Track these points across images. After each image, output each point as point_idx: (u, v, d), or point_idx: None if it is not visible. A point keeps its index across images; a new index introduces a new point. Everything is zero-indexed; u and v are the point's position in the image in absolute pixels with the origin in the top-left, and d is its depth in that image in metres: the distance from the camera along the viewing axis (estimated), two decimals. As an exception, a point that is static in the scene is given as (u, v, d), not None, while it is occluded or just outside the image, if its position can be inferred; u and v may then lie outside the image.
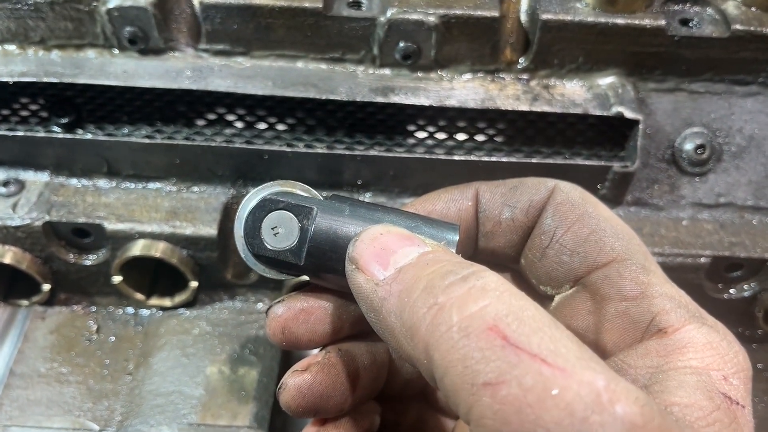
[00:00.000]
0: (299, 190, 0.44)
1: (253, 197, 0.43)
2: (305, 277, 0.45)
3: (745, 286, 0.66)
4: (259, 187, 0.42)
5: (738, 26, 0.61)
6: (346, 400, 0.45)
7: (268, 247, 0.42)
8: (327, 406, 0.44)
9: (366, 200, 0.67)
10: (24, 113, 0.66)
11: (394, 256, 0.36)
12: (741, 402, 0.34)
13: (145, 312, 0.68)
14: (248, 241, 0.42)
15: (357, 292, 0.37)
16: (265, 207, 0.42)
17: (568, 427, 0.26)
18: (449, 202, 0.47)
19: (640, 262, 0.40)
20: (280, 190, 0.43)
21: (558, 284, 0.44)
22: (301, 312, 0.44)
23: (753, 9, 0.62)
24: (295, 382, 0.43)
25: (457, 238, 0.41)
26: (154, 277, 0.69)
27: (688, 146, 0.65)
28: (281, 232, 0.42)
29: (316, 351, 0.49)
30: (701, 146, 0.65)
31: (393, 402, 0.51)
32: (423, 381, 0.51)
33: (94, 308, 0.69)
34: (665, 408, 0.33)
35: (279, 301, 0.45)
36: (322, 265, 0.41)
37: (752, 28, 0.61)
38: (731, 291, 0.66)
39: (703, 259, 0.63)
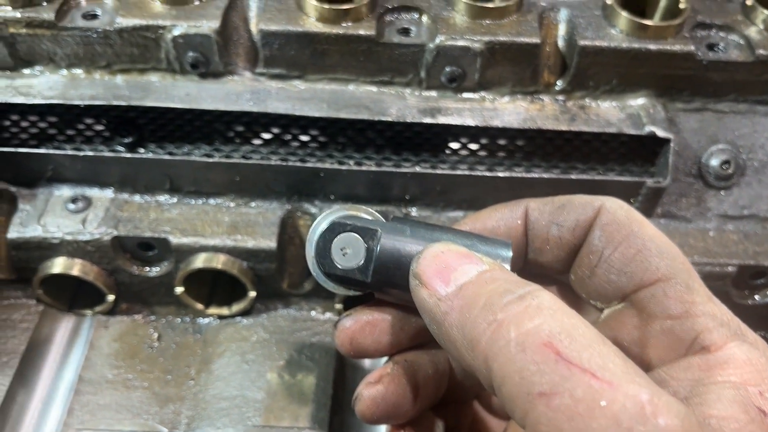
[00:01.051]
0: (363, 213, 0.48)
1: (322, 221, 0.47)
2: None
3: (769, 293, 0.71)
4: (327, 211, 0.46)
5: (762, 51, 0.65)
6: (414, 406, 0.49)
7: (338, 266, 0.46)
8: (397, 414, 0.48)
9: (412, 213, 0.71)
10: (88, 134, 0.69)
11: (455, 273, 0.39)
12: None
13: (203, 321, 0.72)
14: (319, 261, 0.46)
15: (421, 306, 0.40)
16: (334, 230, 0.46)
17: None
18: (500, 220, 0.50)
19: (684, 281, 0.42)
20: (347, 214, 0.47)
21: (607, 300, 0.47)
22: (367, 324, 0.48)
23: (774, 34, 0.67)
24: (370, 393, 0.46)
25: (510, 254, 0.45)
26: (210, 288, 0.73)
27: (714, 162, 0.69)
28: (349, 253, 0.46)
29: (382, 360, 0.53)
30: (726, 162, 0.69)
31: (451, 406, 0.55)
32: (478, 385, 0.56)
33: (153, 317, 0.73)
34: (704, 420, 0.36)
35: (347, 315, 0.49)
36: (387, 282, 0.45)
37: (775, 53, 0.65)
38: (756, 297, 0.71)
39: (730, 268, 0.67)
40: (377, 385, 0.47)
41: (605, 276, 0.46)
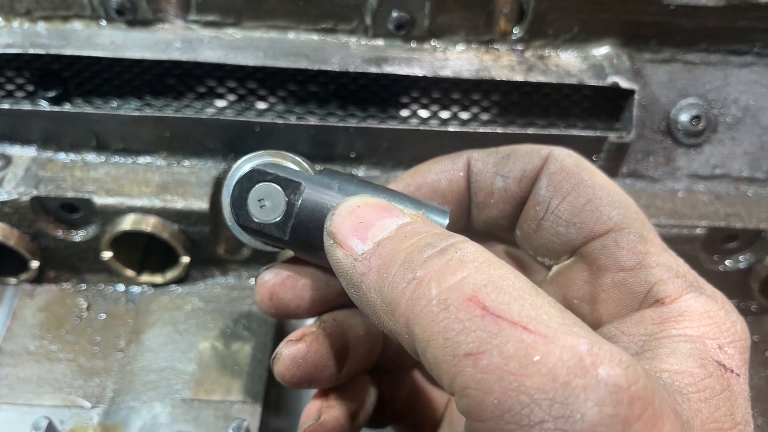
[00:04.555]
0: (290, 162, 0.43)
1: (242, 165, 0.42)
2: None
3: (741, 258, 0.66)
4: (250, 155, 0.42)
5: (734, -6, 0.60)
6: (341, 370, 0.44)
7: (254, 219, 0.41)
8: (321, 376, 0.43)
9: (360, 175, 0.66)
10: (9, 87, 0.64)
11: (373, 229, 0.36)
12: (736, 370, 0.33)
13: (135, 289, 0.67)
14: (234, 211, 0.42)
15: (336, 268, 0.36)
16: (252, 178, 0.41)
17: (551, 392, 0.26)
18: (440, 173, 0.46)
19: (637, 231, 0.39)
20: (269, 161, 0.42)
21: (555, 255, 0.43)
22: (288, 278, 0.44)
23: (749, -23, 0.62)
24: (290, 351, 0.42)
25: (446, 222, 0.41)
26: (144, 255, 0.68)
27: (684, 117, 0.64)
28: (267, 205, 0.41)
29: (309, 322, 0.48)
30: (696, 117, 0.64)
31: (388, 375, 0.51)
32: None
33: (83, 286, 0.68)
34: (654, 374, 0.32)
35: (267, 268, 0.45)
36: (306, 242, 0.41)
37: (748, -4, 0.60)
38: (727, 262, 0.66)
39: (699, 230, 0.62)
40: (298, 343, 0.43)
41: (553, 228, 0.42)
